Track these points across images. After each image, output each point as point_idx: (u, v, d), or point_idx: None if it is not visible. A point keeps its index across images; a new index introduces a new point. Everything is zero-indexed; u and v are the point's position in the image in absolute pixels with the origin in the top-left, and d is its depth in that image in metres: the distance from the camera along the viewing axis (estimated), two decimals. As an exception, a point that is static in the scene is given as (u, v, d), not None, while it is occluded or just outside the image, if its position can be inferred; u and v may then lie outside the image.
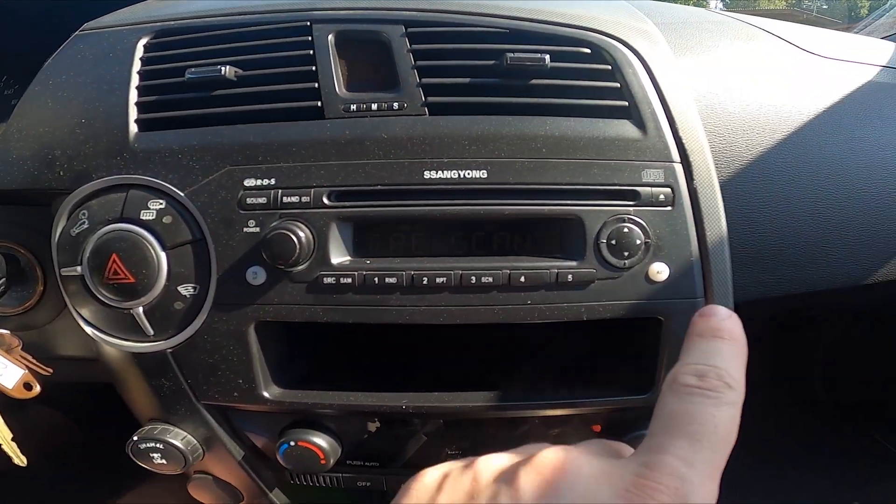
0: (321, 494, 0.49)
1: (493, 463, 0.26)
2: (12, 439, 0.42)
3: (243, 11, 0.42)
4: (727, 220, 0.39)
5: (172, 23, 0.42)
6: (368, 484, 0.43)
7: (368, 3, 0.41)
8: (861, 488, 0.79)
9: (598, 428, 0.42)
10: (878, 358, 0.99)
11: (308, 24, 0.40)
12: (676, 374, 0.26)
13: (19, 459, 0.42)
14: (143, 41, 0.42)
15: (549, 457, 0.25)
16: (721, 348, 0.27)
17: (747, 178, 0.48)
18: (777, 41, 0.60)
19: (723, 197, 0.40)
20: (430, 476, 0.27)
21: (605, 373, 0.42)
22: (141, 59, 0.41)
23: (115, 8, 0.48)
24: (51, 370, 0.45)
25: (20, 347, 0.44)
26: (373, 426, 0.41)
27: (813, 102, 0.52)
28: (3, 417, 0.43)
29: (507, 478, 0.25)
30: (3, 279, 0.44)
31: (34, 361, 0.44)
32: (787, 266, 0.51)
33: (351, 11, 0.41)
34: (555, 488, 0.23)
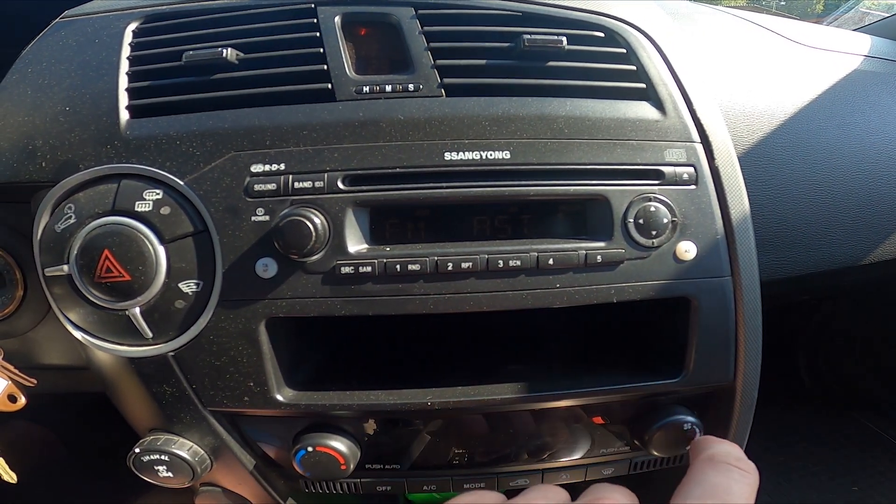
0: (333, 500, 0.47)
1: None
2: (-1, 455, 0.38)
3: None
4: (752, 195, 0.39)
5: (164, 7, 0.40)
6: (389, 488, 0.40)
7: None
8: (856, 473, 0.81)
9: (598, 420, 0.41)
10: (860, 345, 1.02)
11: (312, 6, 0.38)
12: None
13: (9, 476, 0.38)
14: (132, 26, 0.39)
15: None
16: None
17: (750, 163, 0.48)
18: (766, 32, 0.61)
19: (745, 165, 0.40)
20: None
21: (630, 359, 0.41)
22: (130, 44, 0.38)
23: None
24: (35, 381, 0.41)
25: (1, 357, 0.40)
26: (393, 426, 0.39)
27: (806, 90, 0.53)
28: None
29: None
30: (-22, 284, 0.40)
31: (16, 372, 0.40)
32: (790, 248, 0.51)
33: None
34: None
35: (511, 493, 0.27)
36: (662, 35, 0.40)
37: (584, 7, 0.40)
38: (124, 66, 0.37)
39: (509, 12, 0.39)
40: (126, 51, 0.38)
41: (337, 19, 0.38)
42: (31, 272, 0.41)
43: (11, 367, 0.40)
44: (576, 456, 0.40)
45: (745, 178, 0.42)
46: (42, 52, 0.39)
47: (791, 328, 1.09)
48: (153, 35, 0.39)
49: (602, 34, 0.39)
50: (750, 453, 0.28)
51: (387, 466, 0.40)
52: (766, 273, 0.48)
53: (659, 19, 0.42)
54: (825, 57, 0.59)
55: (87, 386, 0.42)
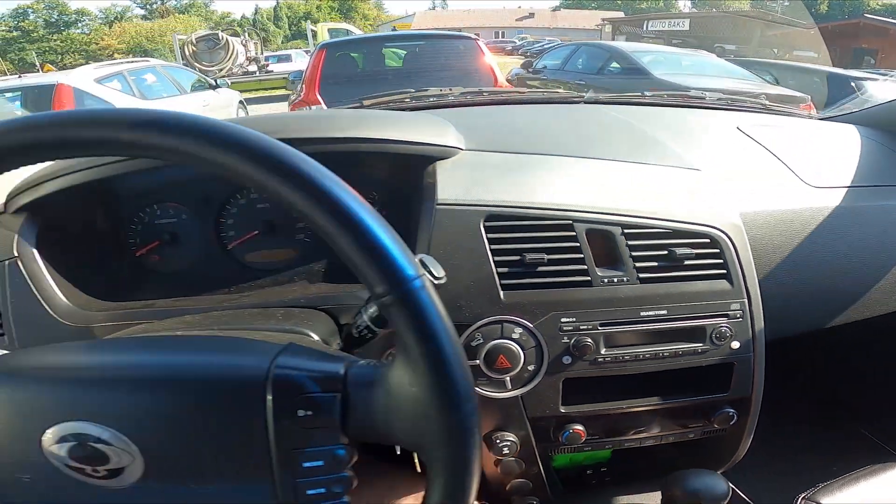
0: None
1: None
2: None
3: (534, 205, 0.80)
4: (763, 296, 0.84)
5: (500, 209, 0.76)
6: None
7: (602, 208, 0.81)
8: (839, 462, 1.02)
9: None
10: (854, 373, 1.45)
11: (570, 223, 0.81)
12: None
13: None
14: (482, 221, 0.75)
15: None
16: None
17: (774, 278, 0.91)
18: (787, 172, 1.03)
19: (761, 279, 0.85)
20: None
21: (701, 383, 0.90)
22: (488, 238, 0.75)
23: None
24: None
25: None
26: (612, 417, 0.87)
27: (819, 216, 0.96)
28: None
29: None
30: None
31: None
32: (799, 319, 0.96)
33: (590, 214, 0.81)
34: None
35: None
36: (736, 235, 0.84)
37: (698, 221, 0.83)
38: (491, 255, 0.78)
39: (669, 230, 0.82)
40: (487, 243, 0.76)
41: (583, 230, 0.81)
42: None
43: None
44: (655, 431, 0.90)
45: (768, 290, 0.86)
46: (439, 234, 0.79)
47: (799, 358, 1.54)
48: (500, 233, 0.74)
49: (708, 240, 0.83)
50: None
51: (604, 438, 0.89)
52: (772, 336, 0.94)
53: (734, 223, 0.85)
54: (834, 196, 1.01)
55: None
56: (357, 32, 17.09)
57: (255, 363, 0.44)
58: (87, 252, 0.89)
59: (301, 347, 0.48)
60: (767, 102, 1.56)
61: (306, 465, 0.43)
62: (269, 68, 17.59)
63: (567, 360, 0.80)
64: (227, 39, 16.10)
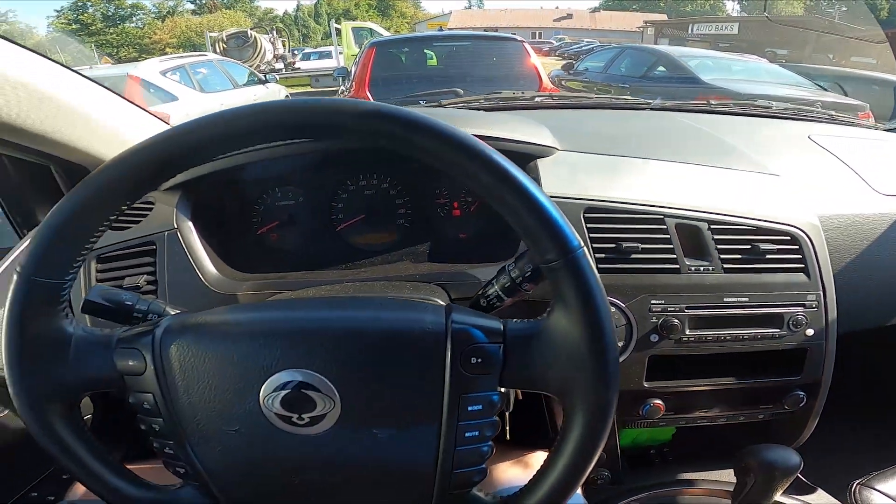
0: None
1: None
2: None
3: (628, 201, 0.90)
4: (835, 292, 0.92)
5: (597, 202, 0.89)
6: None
7: (690, 206, 0.91)
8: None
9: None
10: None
11: (662, 217, 0.91)
12: None
13: None
14: (583, 213, 0.89)
15: None
16: None
17: (847, 263, 1.00)
18: (858, 180, 1.10)
19: (834, 275, 0.93)
20: None
21: (776, 366, 0.98)
22: (587, 228, 0.89)
23: None
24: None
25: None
26: (689, 395, 0.97)
27: (888, 221, 1.03)
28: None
29: None
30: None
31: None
32: (866, 315, 1.02)
33: (680, 210, 0.91)
34: None
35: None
36: (816, 235, 0.92)
37: (780, 221, 0.91)
38: (589, 243, 0.89)
39: (753, 227, 0.91)
40: (587, 232, 0.86)
41: (673, 224, 0.90)
42: None
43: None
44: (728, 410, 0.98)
45: (839, 287, 0.94)
46: None
47: (863, 354, 1.55)
48: (598, 223, 0.84)
49: (789, 237, 0.91)
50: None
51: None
52: (841, 329, 1.01)
53: (812, 223, 0.93)
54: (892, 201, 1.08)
55: None
56: (382, 32, 17.32)
57: (434, 319, 0.50)
58: (222, 229, 1.04)
59: (460, 307, 0.54)
60: (833, 113, 1.61)
61: (470, 408, 0.49)
62: (296, 66, 18.18)
63: (654, 338, 0.90)
64: (255, 37, 16.73)
